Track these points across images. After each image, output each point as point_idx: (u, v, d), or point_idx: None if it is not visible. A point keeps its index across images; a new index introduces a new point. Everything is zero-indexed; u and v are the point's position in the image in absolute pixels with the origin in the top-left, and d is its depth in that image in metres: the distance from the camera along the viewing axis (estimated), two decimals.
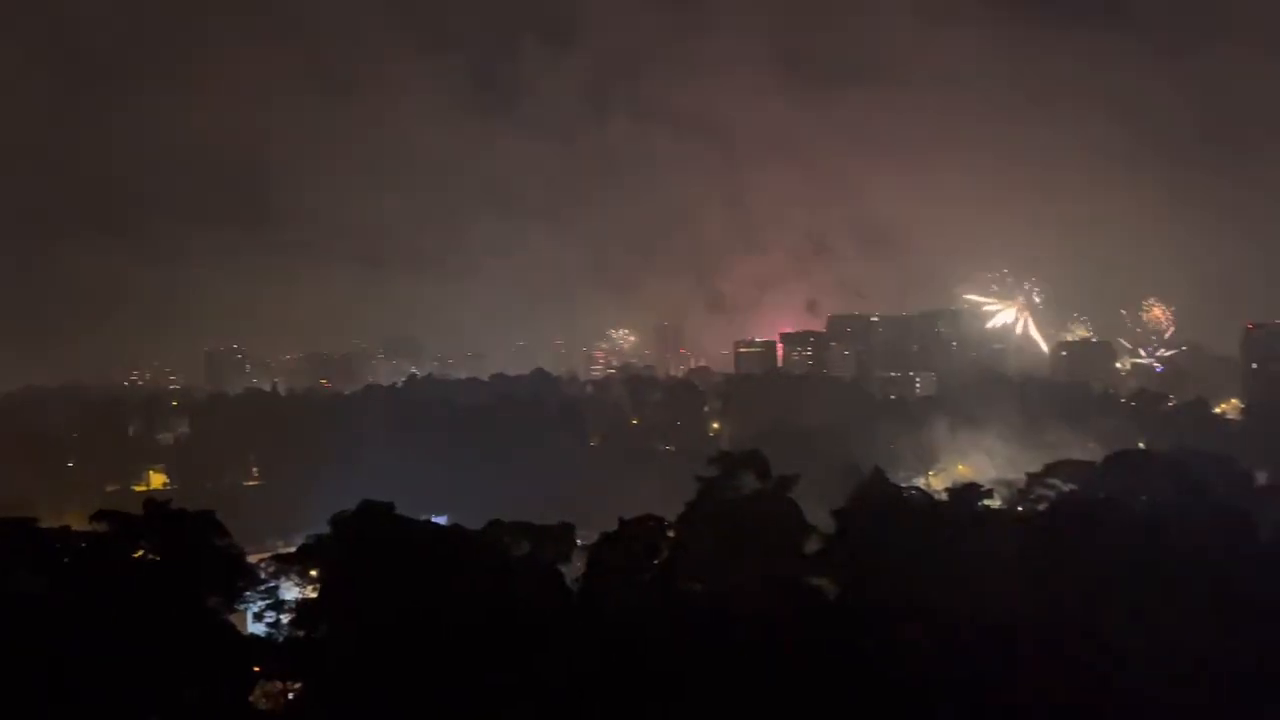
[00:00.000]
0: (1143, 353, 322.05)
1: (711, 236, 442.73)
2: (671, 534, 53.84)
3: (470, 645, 43.43)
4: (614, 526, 53.56)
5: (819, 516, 55.71)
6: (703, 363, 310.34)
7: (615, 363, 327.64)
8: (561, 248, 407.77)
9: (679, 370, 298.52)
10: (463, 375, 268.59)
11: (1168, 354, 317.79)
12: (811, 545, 54.31)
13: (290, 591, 51.08)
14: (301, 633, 47.27)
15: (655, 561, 52.63)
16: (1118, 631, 42.07)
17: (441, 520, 73.66)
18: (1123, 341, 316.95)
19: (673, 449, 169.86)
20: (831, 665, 42.21)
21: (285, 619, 48.53)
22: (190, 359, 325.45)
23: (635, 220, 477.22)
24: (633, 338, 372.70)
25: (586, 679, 43.64)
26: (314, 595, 50.14)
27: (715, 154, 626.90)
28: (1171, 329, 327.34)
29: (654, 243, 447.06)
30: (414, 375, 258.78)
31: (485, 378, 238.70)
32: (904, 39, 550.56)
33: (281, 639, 47.69)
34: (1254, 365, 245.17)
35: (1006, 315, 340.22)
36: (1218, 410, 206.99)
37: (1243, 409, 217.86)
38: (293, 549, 53.97)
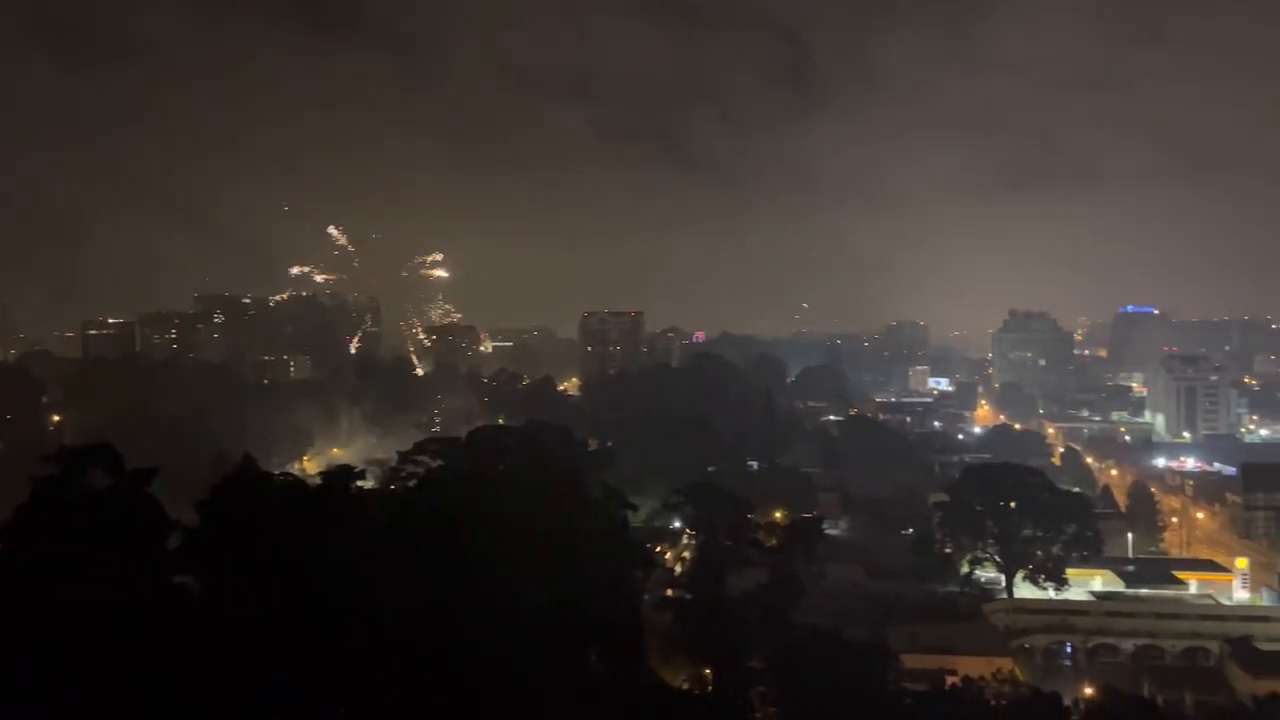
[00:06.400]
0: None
1: None
2: None
3: None
4: None
5: (184, 511, 52.08)
6: (40, 346, 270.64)
7: None
8: None
9: (7, 355, 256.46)
10: None
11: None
12: (174, 541, 50.58)
13: None
14: None
15: None
16: (462, 595, 45.80)
17: None
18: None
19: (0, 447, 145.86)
20: (199, 662, 40.01)
21: None
22: None
23: None
24: None
25: None
26: None
27: None
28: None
29: None
30: None
31: None
32: (178, 27, 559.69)
33: None
34: (588, 348, 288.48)
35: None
36: (561, 387, 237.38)
37: (580, 386, 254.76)
38: None
